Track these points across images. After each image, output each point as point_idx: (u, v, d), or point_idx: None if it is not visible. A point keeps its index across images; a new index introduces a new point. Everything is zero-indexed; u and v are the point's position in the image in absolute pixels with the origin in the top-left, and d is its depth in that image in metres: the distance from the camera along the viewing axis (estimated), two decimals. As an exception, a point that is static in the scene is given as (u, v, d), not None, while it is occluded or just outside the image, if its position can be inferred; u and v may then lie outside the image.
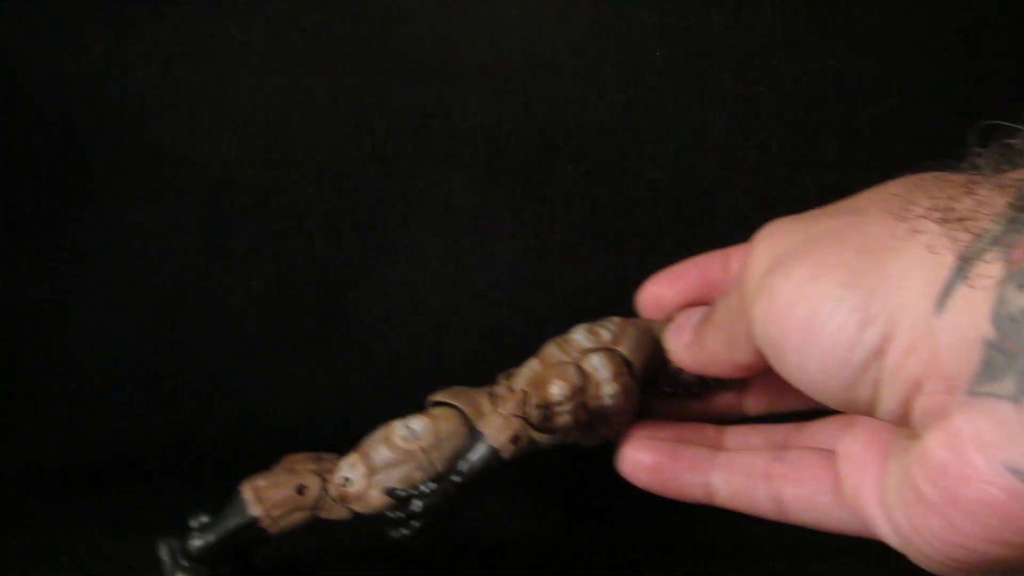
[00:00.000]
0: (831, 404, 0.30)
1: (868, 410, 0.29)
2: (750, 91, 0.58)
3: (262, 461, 0.61)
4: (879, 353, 0.27)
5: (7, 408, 0.61)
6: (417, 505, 0.38)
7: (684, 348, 0.37)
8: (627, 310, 0.41)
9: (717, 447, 0.38)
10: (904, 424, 0.29)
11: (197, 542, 0.40)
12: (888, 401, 0.28)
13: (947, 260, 0.26)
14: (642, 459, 0.37)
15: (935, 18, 0.57)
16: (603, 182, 0.59)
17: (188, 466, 0.59)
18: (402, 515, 0.38)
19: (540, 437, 0.37)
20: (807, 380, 0.30)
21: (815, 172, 0.59)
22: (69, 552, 0.49)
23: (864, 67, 0.57)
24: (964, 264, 0.26)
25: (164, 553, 0.41)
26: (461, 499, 0.38)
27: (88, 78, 0.59)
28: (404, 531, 0.38)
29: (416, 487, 0.38)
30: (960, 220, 0.27)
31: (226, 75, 0.60)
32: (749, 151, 0.58)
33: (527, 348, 0.60)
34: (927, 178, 0.30)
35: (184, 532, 0.41)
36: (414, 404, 0.60)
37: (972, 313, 0.26)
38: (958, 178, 0.29)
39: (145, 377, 0.61)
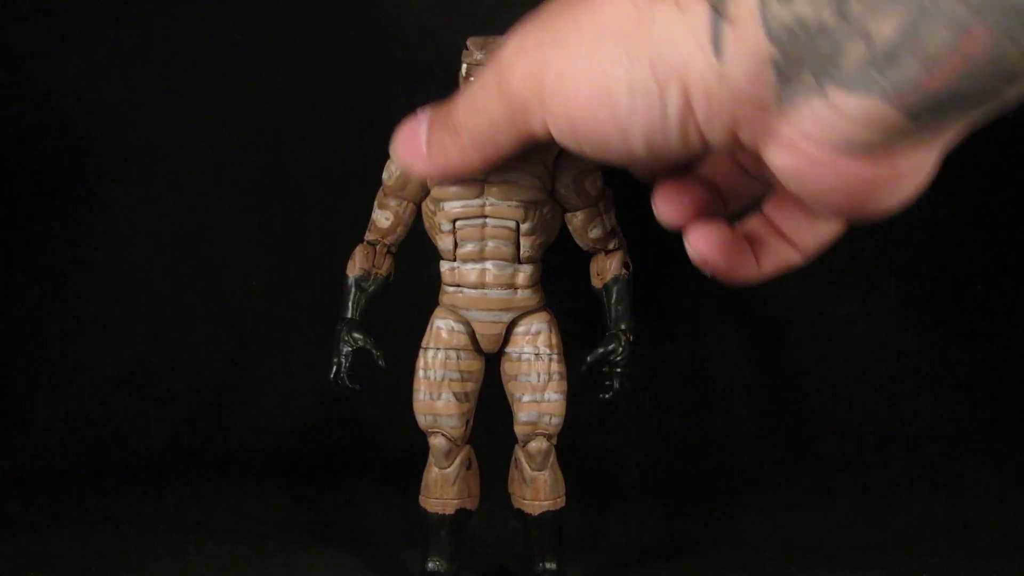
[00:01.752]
0: (678, 155, 0.31)
1: (706, 152, 0.31)
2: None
3: (262, 461, 0.61)
4: (687, 109, 0.29)
5: (7, 408, 0.61)
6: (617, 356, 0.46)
7: (421, 158, 0.39)
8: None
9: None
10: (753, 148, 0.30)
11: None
12: (720, 143, 0.30)
13: (700, 9, 0.28)
14: (717, 236, 0.35)
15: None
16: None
17: (188, 466, 0.59)
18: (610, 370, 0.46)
19: None
20: (643, 162, 0.34)
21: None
22: (69, 552, 0.49)
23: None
24: (717, 7, 0.27)
25: None
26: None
27: (88, 78, 0.59)
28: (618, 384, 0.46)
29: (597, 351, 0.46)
30: None
31: (226, 75, 0.60)
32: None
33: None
34: None
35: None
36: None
37: (748, 42, 0.27)
38: None
39: (145, 378, 0.61)
